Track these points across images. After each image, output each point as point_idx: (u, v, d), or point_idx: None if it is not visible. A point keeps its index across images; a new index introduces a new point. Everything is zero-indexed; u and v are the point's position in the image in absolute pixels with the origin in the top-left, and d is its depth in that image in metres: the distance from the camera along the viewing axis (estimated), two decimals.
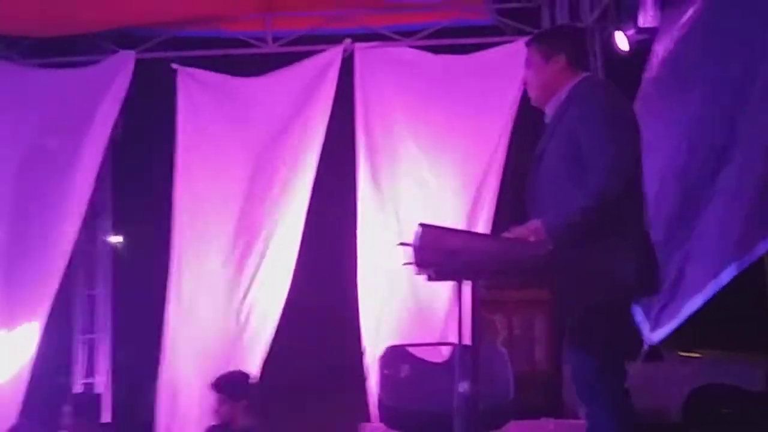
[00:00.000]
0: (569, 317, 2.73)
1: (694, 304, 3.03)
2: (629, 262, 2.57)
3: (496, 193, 4.61)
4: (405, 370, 3.92)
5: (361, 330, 4.57)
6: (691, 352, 8.82)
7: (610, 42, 4.31)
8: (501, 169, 4.61)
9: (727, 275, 2.81)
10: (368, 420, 4.40)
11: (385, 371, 3.95)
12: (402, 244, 2.45)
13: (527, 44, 2.94)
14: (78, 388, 5.32)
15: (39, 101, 4.64)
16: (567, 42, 2.91)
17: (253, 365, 4.54)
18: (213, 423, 3.96)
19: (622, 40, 4.14)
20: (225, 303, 4.68)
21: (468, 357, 2.54)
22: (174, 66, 4.77)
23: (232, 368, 4.24)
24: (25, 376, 4.53)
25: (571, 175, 2.61)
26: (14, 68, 4.92)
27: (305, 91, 4.70)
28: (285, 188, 4.69)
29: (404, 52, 4.81)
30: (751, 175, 2.96)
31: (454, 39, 4.81)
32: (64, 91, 4.71)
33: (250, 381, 4.04)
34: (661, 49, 3.68)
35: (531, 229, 2.53)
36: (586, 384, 2.71)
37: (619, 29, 4.17)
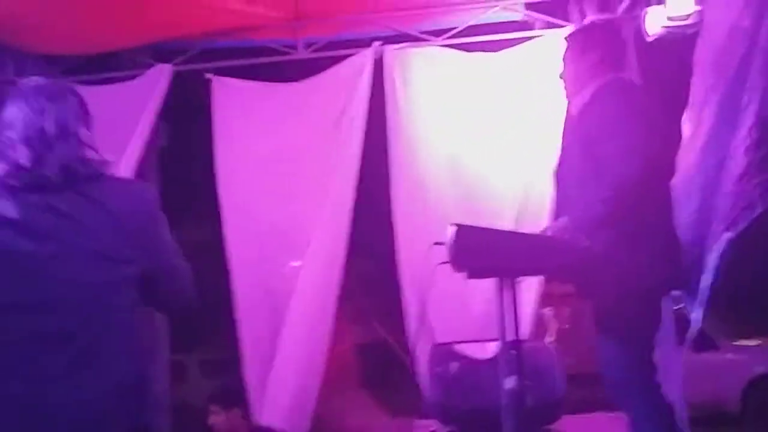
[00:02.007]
0: (599, 312, 2.75)
1: (703, 282, 2.99)
2: (655, 257, 2.59)
3: (549, 195, 4.52)
4: (454, 368, 3.93)
5: (406, 327, 4.56)
6: (747, 339, 8.63)
7: (640, 32, 4.24)
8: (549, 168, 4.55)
9: (720, 244, 2.75)
10: (421, 416, 4.40)
11: (435, 369, 3.97)
12: (437, 243, 2.48)
13: (566, 40, 2.99)
14: None
15: None
16: (601, 39, 2.94)
17: (313, 365, 4.56)
18: None
19: (651, 26, 4.08)
20: (280, 299, 4.70)
21: (512, 353, 2.55)
22: (208, 76, 4.85)
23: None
24: None
25: (594, 172, 2.68)
26: None
27: (339, 95, 4.72)
28: (326, 190, 4.70)
29: (435, 52, 4.79)
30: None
31: (484, 36, 4.76)
32: (106, 107, 4.76)
33: (240, 388, 4.05)
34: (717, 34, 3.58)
35: (560, 228, 2.58)
36: (618, 380, 2.73)
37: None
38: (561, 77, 2.99)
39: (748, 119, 2.62)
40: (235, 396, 3.99)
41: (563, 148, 2.88)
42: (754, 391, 8.16)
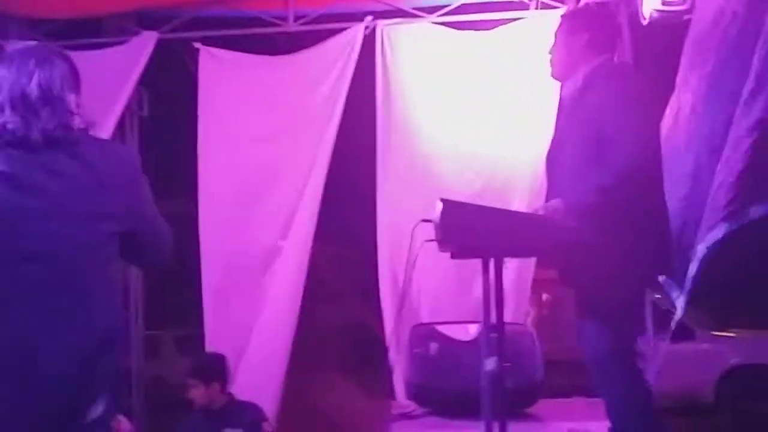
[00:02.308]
0: (583, 294, 2.74)
1: (690, 271, 2.98)
2: (643, 241, 2.57)
3: (536, 174, 4.39)
4: (434, 349, 3.91)
5: (382, 308, 4.54)
6: (725, 331, 8.70)
7: (636, 15, 4.21)
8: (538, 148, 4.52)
9: (713, 236, 2.74)
10: (393, 397, 4.39)
11: (414, 350, 3.95)
12: (424, 220, 2.44)
13: (561, 17, 2.95)
14: None
15: None
16: (593, 21, 2.92)
17: (280, 343, 4.57)
18: (194, 408, 3.99)
19: (647, 10, 4.05)
20: (251, 278, 4.69)
21: (493, 335, 2.53)
22: (196, 45, 4.78)
23: (257, 344, 4.26)
24: None
25: (592, 158, 2.63)
26: None
27: (327, 69, 4.67)
28: (306, 165, 4.68)
29: (427, 29, 4.74)
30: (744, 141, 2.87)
31: (478, 14, 4.71)
32: (90, 72, 4.69)
33: (222, 363, 4.04)
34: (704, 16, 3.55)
35: (552, 209, 2.55)
36: (599, 364, 2.72)
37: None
38: (550, 55, 2.95)
39: (755, 112, 2.58)
40: (215, 370, 3.98)
41: (556, 131, 2.84)
42: (728, 382, 8.25)
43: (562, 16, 3.03)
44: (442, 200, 2.23)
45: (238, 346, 4.55)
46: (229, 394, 4.00)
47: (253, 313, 4.67)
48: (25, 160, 1.90)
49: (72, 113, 1.98)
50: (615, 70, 2.90)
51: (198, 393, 3.92)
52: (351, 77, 4.63)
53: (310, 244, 4.66)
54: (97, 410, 1.91)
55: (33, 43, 2.07)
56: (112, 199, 1.95)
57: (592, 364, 2.71)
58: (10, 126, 1.90)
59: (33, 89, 1.93)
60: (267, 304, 4.65)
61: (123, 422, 3.50)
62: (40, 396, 1.84)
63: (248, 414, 3.96)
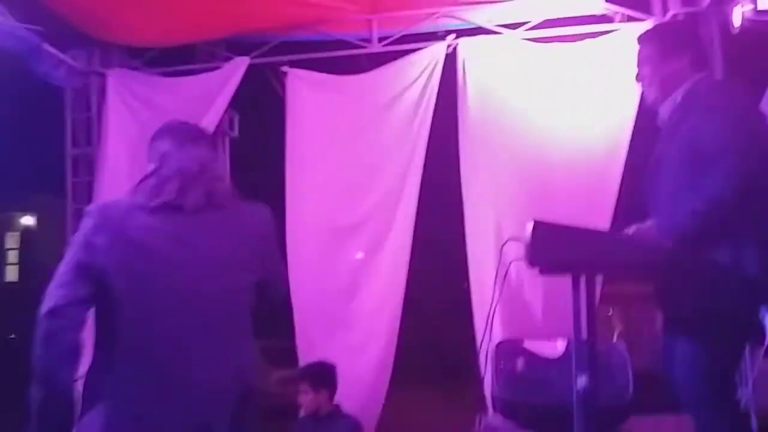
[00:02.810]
0: (679, 314, 2.65)
1: None
2: (753, 265, 2.48)
3: (615, 196, 4.40)
4: (520, 364, 3.92)
5: (474, 323, 4.56)
6: None
7: (726, 27, 4.11)
8: (621, 167, 4.41)
9: None
10: (485, 411, 4.40)
11: (500, 365, 3.97)
12: (511, 239, 2.46)
13: (644, 39, 2.85)
14: None
15: (164, 107, 4.90)
16: (692, 39, 2.81)
17: (382, 360, 4.64)
18: (301, 414, 4.09)
19: (737, 18, 3.95)
20: (339, 295, 4.76)
21: (585, 351, 2.52)
22: (284, 69, 4.93)
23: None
24: None
25: (690, 182, 2.53)
26: (141, 77, 5.24)
27: (411, 84, 4.74)
28: (394, 181, 4.75)
29: (507, 43, 4.74)
30: None
31: (561, 28, 4.69)
32: (186, 97, 4.97)
33: (333, 372, 4.13)
34: None
35: (644, 232, 2.49)
36: (690, 387, 2.62)
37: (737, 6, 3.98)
38: (638, 79, 2.86)
39: None
40: (325, 378, 4.10)
41: (657, 154, 2.75)
42: None
43: (650, 35, 2.84)
44: (534, 220, 2.26)
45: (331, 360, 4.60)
46: (336, 405, 4.10)
47: (345, 329, 4.72)
48: (186, 222, 2.24)
49: (220, 179, 2.36)
50: (716, 87, 2.78)
51: (307, 398, 4.04)
52: (436, 92, 4.67)
53: (407, 258, 4.69)
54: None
55: (181, 121, 2.46)
56: (254, 253, 2.31)
57: (684, 386, 2.63)
58: (170, 194, 2.24)
59: (192, 165, 2.30)
60: (362, 320, 4.70)
61: None
62: (207, 422, 2.17)
63: (347, 428, 4.05)
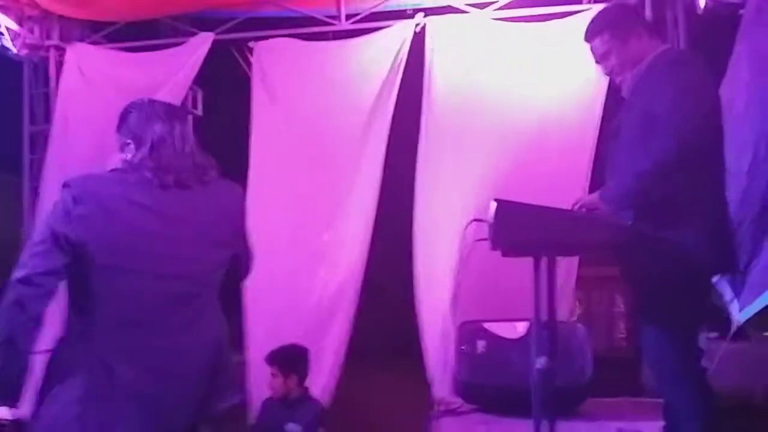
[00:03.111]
0: (642, 295, 2.68)
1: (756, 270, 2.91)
2: (703, 238, 2.51)
3: (588, 176, 4.37)
4: (482, 346, 3.93)
5: (419, 306, 4.54)
6: None
7: (692, 11, 4.16)
8: (593, 147, 4.37)
9: None
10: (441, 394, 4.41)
11: (462, 347, 3.97)
12: (476, 220, 2.46)
13: (593, 32, 2.84)
14: None
15: (125, 83, 4.78)
16: (633, 12, 2.87)
17: (336, 339, 4.62)
18: (269, 396, 4.08)
19: (702, 1, 3.99)
20: (298, 273, 4.72)
21: (545, 332, 2.53)
22: (251, 44, 4.87)
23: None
24: None
25: (643, 147, 2.55)
26: (102, 52, 5.12)
27: (379, 60, 4.69)
28: (358, 156, 4.70)
29: (476, 22, 4.71)
30: None
31: (529, 9, 4.69)
32: (149, 73, 4.87)
33: (304, 356, 4.11)
34: (754, 15, 3.51)
35: (589, 203, 2.51)
36: (662, 367, 2.66)
37: None
38: (606, 73, 2.87)
39: None
40: (295, 362, 4.07)
41: (617, 122, 2.77)
42: None
43: (598, 32, 2.84)
44: (497, 200, 2.25)
45: (279, 340, 4.50)
46: (305, 388, 4.07)
47: (298, 309, 4.69)
48: (174, 197, 2.31)
49: (207, 158, 2.43)
50: (676, 57, 2.81)
51: (277, 382, 4.01)
52: (402, 70, 4.63)
53: (369, 235, 4.65)
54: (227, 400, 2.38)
55: (165, 103, 2.52)
56: (230, 229, 2.42)
57: (653, 364, 2.67)
58: (161, 170, 2.30)
59: (180, 141, 2.37)
60: (321, 299, 4.66)
61: None
62: (182, 390, 2.27)
63: (312, 413, 4.02)
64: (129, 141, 2.36)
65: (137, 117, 2.39)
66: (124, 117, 2.42)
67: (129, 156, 2.34)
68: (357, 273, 4.67)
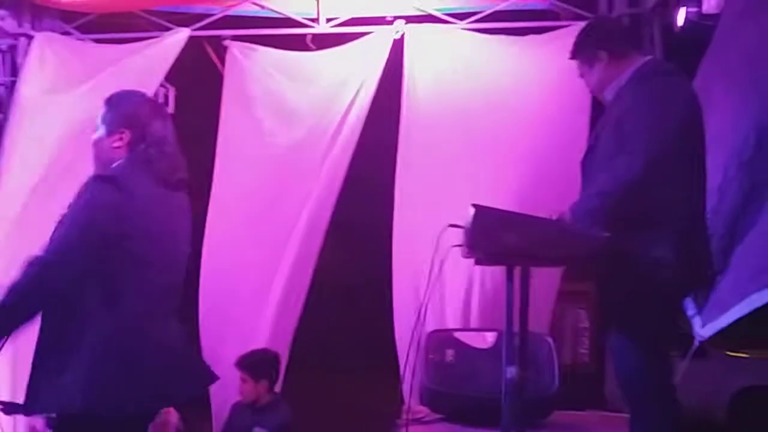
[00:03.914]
0: (612, 310, 2.69)
1: (740, 309, 2.94)
2: (669, 253, 2.52)
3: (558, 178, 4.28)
4: (450, 355, 3.91)
5: (394, 313, 4.52)
6: (739, 351, 8.62)
7: (669, 29, 4.21)
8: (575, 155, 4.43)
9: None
10: (402, 402, 4.37)
11: (430, 356, 3.95)
12: (452, 225, 2.44)
13: (570, 58, 2.93)
14: None
15: (93, 76, 4.69)
16: (602, 39, 2.88)
17: (283, 344, 4.55)
18: (238, 400, 4.03)
19: (681, 18, 4.04)
20: (255, 279, 4.68)
21: (516, 343, 2.52)
22: (225, 43, 4.80)
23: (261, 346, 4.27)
24: None
25: (612, 166, 2.57)
26: (71, 42, 5.01)
27: (355, 69, 4.67)
28: (320, 165, 4.67)
29: (457, 33, 4.72)
30: None
31: (509, 23, 4.72)
32: (119, 67, 4.77)
33: (274, 361, 4.07)
34: (724, 35, 3.56)
35: (562, 216, 2.51)
36: (631, 381, 2.67)
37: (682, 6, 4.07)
38: (594, 94, 2.91)
39: None
40: (266, 368, 4.02)
41: (596, 132, 2.79)
42: (741, 403, 8.18)
43: (572, 55, 2.94)
44: (475, 206, 2.23)
45: (237, 345, 4.44)
46: (276, 393, 4.02)
47: (254, 316, 4.62)
48: (170, 195, 2.47)
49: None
50: (656, 69, 2.83)
51: (247, 388, 3.96)
52: (379, 79, 4.62)
53: (319, 240, 4.65)
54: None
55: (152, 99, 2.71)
56: (190, 228, 2.61)
57: (624, 380, 2.67)
58: (170, 169, 2.45)
59: (174, 143, 2.54)
60: (271, 303, 4.62)
61: (171, 413, 3.55)
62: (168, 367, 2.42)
63: (282, 418, 3.99)
64: (123, 129, 2.44)
65: (131, 109, 2.48)
66: (114, 104, 2.49)
67: (122, 144, 2.44)
68: (303, 280, 4.66)
